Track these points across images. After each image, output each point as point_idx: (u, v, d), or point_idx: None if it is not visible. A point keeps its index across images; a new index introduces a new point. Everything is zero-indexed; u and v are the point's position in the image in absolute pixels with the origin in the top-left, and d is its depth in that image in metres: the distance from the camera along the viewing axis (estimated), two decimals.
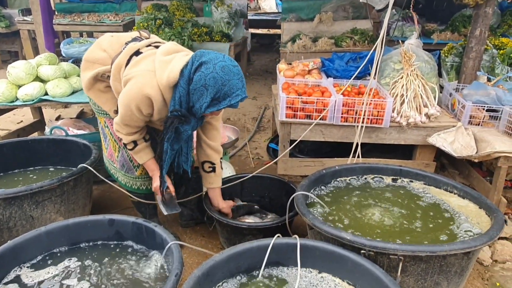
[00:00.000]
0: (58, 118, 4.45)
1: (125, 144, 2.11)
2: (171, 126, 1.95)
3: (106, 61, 2.07)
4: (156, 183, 2.21)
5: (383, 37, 2.61)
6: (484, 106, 2.88)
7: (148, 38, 2.11)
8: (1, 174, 2.76)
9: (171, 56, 1.94)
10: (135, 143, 2.10)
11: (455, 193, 2.21)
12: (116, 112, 2.10)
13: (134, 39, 2.09)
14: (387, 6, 3.99)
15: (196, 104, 1.88)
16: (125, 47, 2.03)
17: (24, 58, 7.25)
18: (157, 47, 2.02)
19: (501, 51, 3.48)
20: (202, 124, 2.15)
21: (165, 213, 2.21)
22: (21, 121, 4.64)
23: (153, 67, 1.91)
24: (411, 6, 3.67)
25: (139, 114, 1.95)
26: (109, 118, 2.19)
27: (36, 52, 6.62)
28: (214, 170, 2.32)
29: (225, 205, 2.39)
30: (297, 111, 2.95)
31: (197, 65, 1.83)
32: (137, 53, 1.99)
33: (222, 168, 2.39)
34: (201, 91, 1.83)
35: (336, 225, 1.96)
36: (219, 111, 1.99)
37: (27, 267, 1.74)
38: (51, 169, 2.83)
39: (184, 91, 1.87)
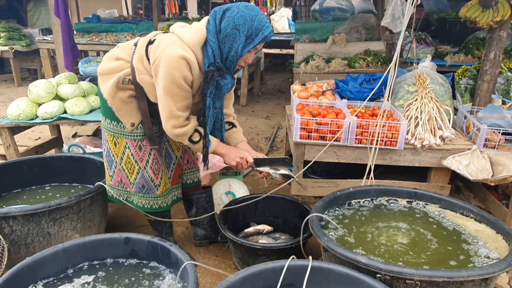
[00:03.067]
0: (74, 135, 4.54)
1: (191, 140, 2.07)
2: (212, 80, 1.96)
3: (122, 67, 2.07)
4: (242, 158, 2.21)
5: (396, 60, 2.63)
6: (500, 129, 2.86)
7: None
8: (19, 190, 2.81)
9: (187, 26, 2.01)
10: (198, 132, 2.08)
11: (471, 217, 2.18)
12: (133, 125, 2.13)
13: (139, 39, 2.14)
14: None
15: (231, 51, 1.94)
16: (135, 47, 2.07)
17: (43, 76, 7.46)
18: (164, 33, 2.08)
19: None
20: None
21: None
22: (39, 137, 4.73)
23: (175, 37, 1.95)
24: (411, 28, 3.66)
25: (185, 85, 1.95)
26: (131, 139, 2.18)
27: (55, 70, 6.80)
28: (234, 126, 2.37)
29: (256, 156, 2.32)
30: (311, 132, 2.97)
31: (220, 14, 1.91)
32: (150, 42, 2.03)
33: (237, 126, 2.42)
34: (233, 34, 1.90)
35: (351, 248, 1.95)
36: (253, 53, 2.02)
37: (43, 284, 1.75)
38: (67, 186, 2.87)
39: (215, 44, 1.92)
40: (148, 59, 2.00)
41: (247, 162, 2.22)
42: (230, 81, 2.09)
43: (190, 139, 2.08)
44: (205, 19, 1.99)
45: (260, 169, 2.28)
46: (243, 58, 2.00)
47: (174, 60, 1.89)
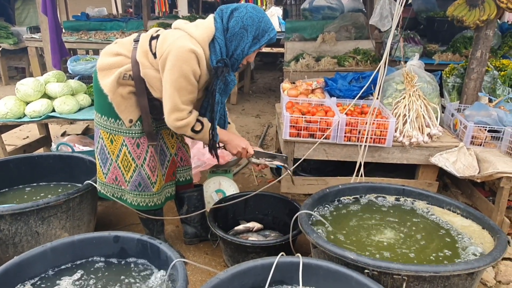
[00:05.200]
0: (63, 134, 4.51)
1: (194, 130, 2.09)
2: (221, 75, 2.00)
3: (122, 62, 2.06)
4: (243, 148, 2.25)
5: (386, 58, 2.65)
6: (486, 127, 2.90)
7: None
8: (6, 189, 2.77)
9: (190, 23, 2.03)
10: (200, 122, 2.10)
11: (458, 213, 2.22)
12: (131, 121, 2.13)
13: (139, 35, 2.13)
14: (390, 27, 4.07)
15: (237, 50, 1.99)
16: (135, 43, 2.07)
17: (31, 74, 7.38)
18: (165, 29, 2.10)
19: (502, 72, 3.53)
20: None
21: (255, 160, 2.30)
22: (27, 136, 4.69)
23: (183, 32, 1.97)
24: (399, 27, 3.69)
25: (193, 79, 1.97)
26: (128, 137, 2.17)
27: (43, 69, 6.74)
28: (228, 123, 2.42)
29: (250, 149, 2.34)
30: (300, 130, 2.98)
31: (228, 13, 1.96)
32: (153, 38, 2.03)
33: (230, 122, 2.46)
34: (241, 34, 1.95)
35: (340, 244, 1.97)
36: (256, 52, 2.08)
37: (31, 283, 1.74)
38: (55, 185, 2.85)
39: (222, 42, 1.96)
40: (153, 54, 2.00)
41: (247, 153, 2.26)
42: (234, 78, 2.14)
43: (192, 129, 2.09)
44: (211, 17, 2.01)
45: (257, 161, 2.32)
46: (247, 57, 2.05)
47: (184, 53, 1.90)
